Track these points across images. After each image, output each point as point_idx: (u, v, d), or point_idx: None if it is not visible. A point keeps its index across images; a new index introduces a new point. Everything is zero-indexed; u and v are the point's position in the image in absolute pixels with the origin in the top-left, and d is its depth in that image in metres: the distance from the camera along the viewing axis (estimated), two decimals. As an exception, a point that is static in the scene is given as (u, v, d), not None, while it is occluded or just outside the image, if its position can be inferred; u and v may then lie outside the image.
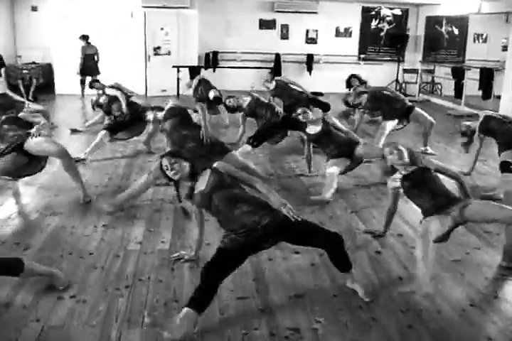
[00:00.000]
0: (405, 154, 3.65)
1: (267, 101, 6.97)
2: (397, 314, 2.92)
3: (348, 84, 9.08)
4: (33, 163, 4.69)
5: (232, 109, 7.02)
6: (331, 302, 3.05)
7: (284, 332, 2.76)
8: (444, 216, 3.36)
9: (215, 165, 3.28)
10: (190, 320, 2.66)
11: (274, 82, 8.03)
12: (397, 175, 3.70)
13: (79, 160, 5.98)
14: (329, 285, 3.27)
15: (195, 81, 8.89)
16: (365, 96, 6.90)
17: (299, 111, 5.33)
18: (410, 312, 2.96)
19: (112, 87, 7.19)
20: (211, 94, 8.32)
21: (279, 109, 6.90)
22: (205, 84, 8.69)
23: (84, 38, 10.95)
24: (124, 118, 6.70)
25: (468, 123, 5.59)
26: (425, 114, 6.93)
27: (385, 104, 6.80)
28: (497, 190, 5.07)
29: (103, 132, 6.46)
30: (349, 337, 2.73)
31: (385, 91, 6.97)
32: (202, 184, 3.19)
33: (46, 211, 4.50)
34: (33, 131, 4.57)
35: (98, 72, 11.01)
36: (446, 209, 3.37)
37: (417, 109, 6.85)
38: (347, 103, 7.37)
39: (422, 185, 3.54)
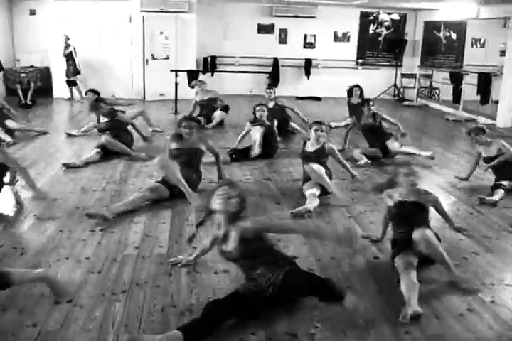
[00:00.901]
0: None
1: (274, 132, 6.92)
2: (395, 319, 2.91)
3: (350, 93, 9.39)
4: None
5: (256, 119, 6.84)
6: (328, 308, 3.04)
7: (281, 337, 2.74)
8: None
9: (241, 226, 2.97)
10: None
11: (271, 103, 8.13)
12: (395, 196, 3.71)
13: (73, 166, 5.95)
14: (327, 290, 3.26)
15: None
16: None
17: (315, 127, 5.24)
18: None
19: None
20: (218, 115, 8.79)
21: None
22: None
23: (69, 38, 11.01)
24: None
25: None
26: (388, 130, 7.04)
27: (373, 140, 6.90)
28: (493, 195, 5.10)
29: (97, 150, 6.38)
30: (346, 342, 2.73)
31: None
32: (231, 245, 3.01)
33: (43, 215, 4.48)
34: None
35: None
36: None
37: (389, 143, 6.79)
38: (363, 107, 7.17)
39: (406, 218, 3.60)
